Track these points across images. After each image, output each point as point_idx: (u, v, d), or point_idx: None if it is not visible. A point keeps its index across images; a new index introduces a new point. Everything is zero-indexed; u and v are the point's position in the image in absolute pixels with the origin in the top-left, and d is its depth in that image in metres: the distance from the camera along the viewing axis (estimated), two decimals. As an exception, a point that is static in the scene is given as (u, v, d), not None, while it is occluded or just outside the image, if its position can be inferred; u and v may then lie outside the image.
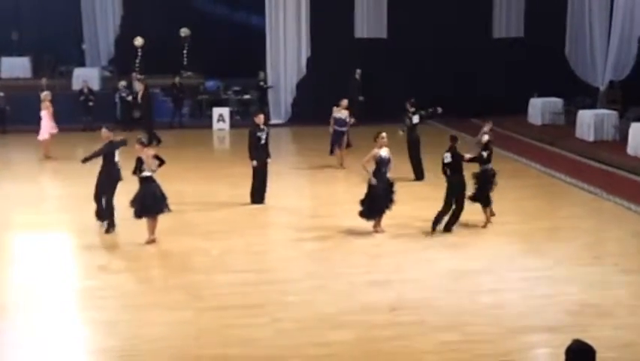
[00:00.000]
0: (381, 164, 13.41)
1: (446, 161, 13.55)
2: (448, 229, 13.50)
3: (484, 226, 13.87)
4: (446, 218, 13.53)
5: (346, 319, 9.99)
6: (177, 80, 25.73)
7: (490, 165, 14.21)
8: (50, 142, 20.17)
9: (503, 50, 26.31)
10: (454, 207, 13.46)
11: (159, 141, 21.39)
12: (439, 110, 17.81)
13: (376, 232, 13.52)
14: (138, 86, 22.49)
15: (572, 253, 12.74)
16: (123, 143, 13.95)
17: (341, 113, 18.96)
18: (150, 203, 12.77)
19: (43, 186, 17.52)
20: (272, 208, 15.74)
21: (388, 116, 20.09)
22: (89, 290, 11.12)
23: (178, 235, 13.46)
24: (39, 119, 20.19)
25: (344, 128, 18.97)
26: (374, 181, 13.27)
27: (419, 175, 17.65)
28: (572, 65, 25.54)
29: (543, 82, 25.08)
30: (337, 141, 18.98)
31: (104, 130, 13.95)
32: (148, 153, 12.91)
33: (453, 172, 13.49)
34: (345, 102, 19.12)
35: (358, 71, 25.41)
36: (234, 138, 24.20)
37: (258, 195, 15.67)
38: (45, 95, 20.62)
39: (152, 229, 12.91)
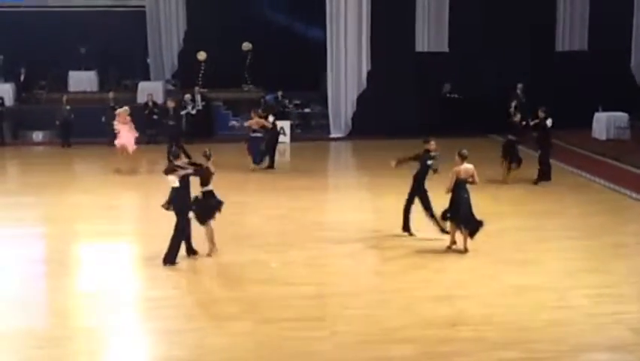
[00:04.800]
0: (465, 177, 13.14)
1: (550, 125, 18.19)
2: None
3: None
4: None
5: (407, 333, 9.96)
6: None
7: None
8: (122, 154, 20.35)
9: (567, 64, 25.97)
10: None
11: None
12: None
13: (450, 246, 13.33)
14: (169, 103, 22.15)
15: (637, 269, 12.51)
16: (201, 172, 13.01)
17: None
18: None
19: (109, 197, 17.81)
20: (332, 222, 15.76)
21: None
22: (153, 300, 11.29)
23: (238, 246, 13.57)
24: (104, 132, 20.36)
25: (259, 135, 20.43)
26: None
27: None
28: (637, 79, 25.08)
29: (608, 96, 24.65)
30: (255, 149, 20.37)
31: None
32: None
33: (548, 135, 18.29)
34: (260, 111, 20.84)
35: (520, 85, 24.40)
36: (295, 151, 24.34)
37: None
38: (123, 110, 20.77)
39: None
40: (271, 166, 20.76)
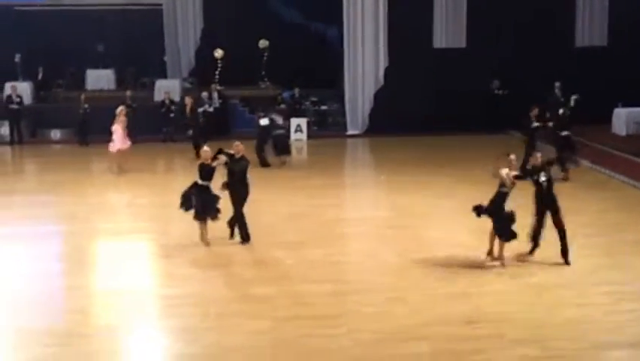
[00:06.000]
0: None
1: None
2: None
3: None
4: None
5: (424, 331, 9.91)
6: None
7: None
8: (121, 156, 20.03)
9: (586, 60, 25.77)
10: None
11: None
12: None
13: (496, 260, 12.65)
14: (187, 100, 22.19)
15: (657, 267, 12.38)
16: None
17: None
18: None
19: (124, 196, 17.88)
20: (350, 219, 15.72)
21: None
22: (169, 298, 11.30)
23: (255, 244, 13.56)
24: (111, 133, 20.14)
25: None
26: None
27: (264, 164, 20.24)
28: (658, 75, 24.85)
29: (628, 91, 24.45)
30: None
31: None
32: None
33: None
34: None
35: (557, 84, 23.57)
36: (312, 149, 24.31)
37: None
38: (120, 109, 20.55)
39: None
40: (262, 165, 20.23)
